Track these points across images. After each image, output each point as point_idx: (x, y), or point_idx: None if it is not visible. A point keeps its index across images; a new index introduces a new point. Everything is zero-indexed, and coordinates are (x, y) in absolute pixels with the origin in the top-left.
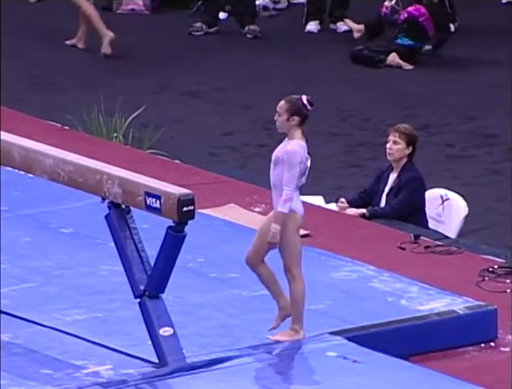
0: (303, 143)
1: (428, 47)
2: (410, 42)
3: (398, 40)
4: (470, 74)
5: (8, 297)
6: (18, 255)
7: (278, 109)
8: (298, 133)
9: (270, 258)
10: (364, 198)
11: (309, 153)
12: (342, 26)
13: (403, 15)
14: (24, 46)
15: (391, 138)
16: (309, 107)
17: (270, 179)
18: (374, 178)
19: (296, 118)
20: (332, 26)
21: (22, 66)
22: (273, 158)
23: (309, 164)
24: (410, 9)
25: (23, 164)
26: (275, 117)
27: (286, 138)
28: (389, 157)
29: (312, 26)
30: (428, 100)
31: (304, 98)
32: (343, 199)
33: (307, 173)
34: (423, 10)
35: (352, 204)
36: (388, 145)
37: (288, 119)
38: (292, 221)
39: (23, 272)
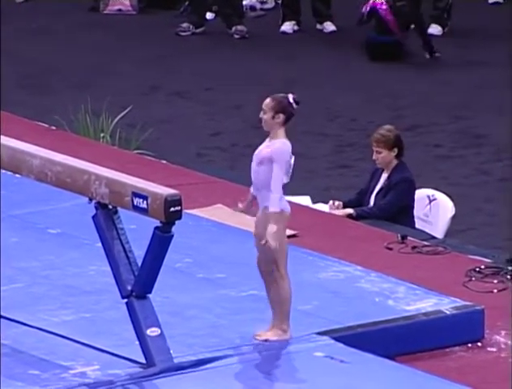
0: (287, 141)
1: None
2: (378, 37)
3: (369, 35)
4: (458, 74)
5: None
6: (5, 256)
7: (263, 106)
8: (282, 131)
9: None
10: (361, 198)
11: (297, 153)
12: (329, 26)
13: (366, 8)
14: (12, 46)
15: (374, 148)
16: (294, 105)
17: (254, 179)
18: (369, 177)
19: (282, 116)
20: (319, 26)
21: (8, 66)
22: (258, 158)
23: (292, 162)
24: (373, 2)
25: (11, 164)
26: (261, 115)
27: (268, 138)
28: (378, 165)
29: (287, 26)
30: (417, 100)
31: (290, 96)
32: (337, 202)
33: (291, 171)
34: (385, 5)
35: (349, 205)
36: (374, 156)
37: (273, 117)
38: (281, 220)
39: (11, 273)
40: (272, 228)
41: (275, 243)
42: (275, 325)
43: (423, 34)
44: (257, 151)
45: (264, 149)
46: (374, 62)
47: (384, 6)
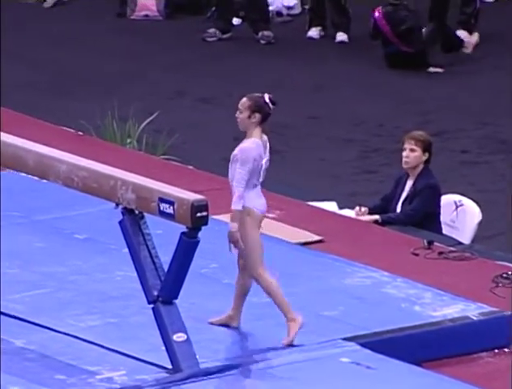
0: (259, 141)
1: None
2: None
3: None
4: (484, 79)
5: (22, 302)
6: (32, 261)
7: (239, 105)
8: (257, 131)
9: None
10: (385, 204)
11: (323, 158)
12: (339, 36)
13: (371, 21)
14: (39, 51)
15: (407, 146)
16: (270, 105)
17: (230, 177)
18: (394, 184)
19: (258, 116)
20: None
21: (36, 72)
22: (231, 157)
23: (264, 162)
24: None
25: (38, 169)
26: (237, 114)
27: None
28: (405, 165)
29: (313, 32)
30: (443, 105)
31: (266, 96)
32: (364, 208)
33: (263, 172)
34: (379, 12)
35: (374, 211)
36: (404, 153)
37: (249, 116)
38: (249, 218)
39: (37, 278)
40: (233, 226)
41: (235, 240)
42: (287, 320)
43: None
44: None
45: (236, 148)
46: (400, 68)
47: (377, 14)
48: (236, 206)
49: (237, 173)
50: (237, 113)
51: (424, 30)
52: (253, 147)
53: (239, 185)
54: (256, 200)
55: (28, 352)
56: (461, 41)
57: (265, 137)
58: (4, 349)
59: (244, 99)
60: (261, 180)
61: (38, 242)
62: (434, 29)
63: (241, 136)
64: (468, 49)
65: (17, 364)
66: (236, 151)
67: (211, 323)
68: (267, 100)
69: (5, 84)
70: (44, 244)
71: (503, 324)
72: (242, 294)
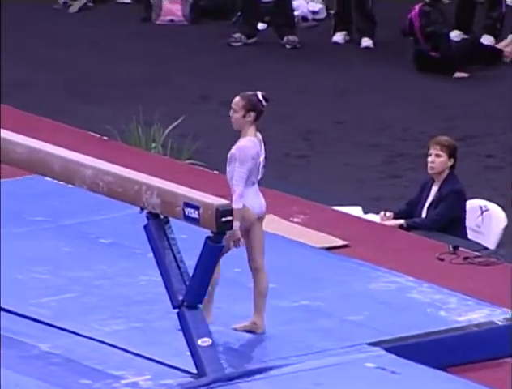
0: (255, 139)
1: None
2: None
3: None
4: (510, 84)
5: (48, 307)
6: (58, 265)
7: (233, 105)
8: (252, 129)
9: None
10: (410, 209)
11: (348, 163)
12: (364, 42)
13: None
14: (65, 56)
15: (433, 151)
16: (264, 103)
17: (227, 176)
18: (419, 189)
19: (252, 114)
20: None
21: (62, 76)
22: (228, 156)
23: (261, 160)
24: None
25: (63, 174)
26: (230, 114)
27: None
28: (430, 171)
29: (338, 37)
30: (468, 110)
31: (259, 94)
32: (388, 213)
33: (261, 170)
34: (416, 10)
35: (399, 216)
36: (430, 159)
37: (244, 115)
38: (247, 214)
39: (63, 283)
40: (234, 224)
41: (236, 239)
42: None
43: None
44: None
45: (233, 147)
46: (426, 72)
47: (414, 12)
48: (236, 204)
49: (237, 172)
50: (231, 112)
51: (452, 35)
52: (251, 145)
53: (239, 183)
54: (253, 199)
55: (54, 356)
56: (499, 51)
57: (259, 135)
58: (29, 353)
59: (237, 98)
60: (259, 177)
61: (65, 247)
62: (468, 41)
63: (266, 141)
64: (508, 58)
65: (42, 368)
66: (233, 151)
67: (235, 329)
68: (261, 98)
69: (32, 88)
70: (71, 249)
71: None
72: (260, 297)
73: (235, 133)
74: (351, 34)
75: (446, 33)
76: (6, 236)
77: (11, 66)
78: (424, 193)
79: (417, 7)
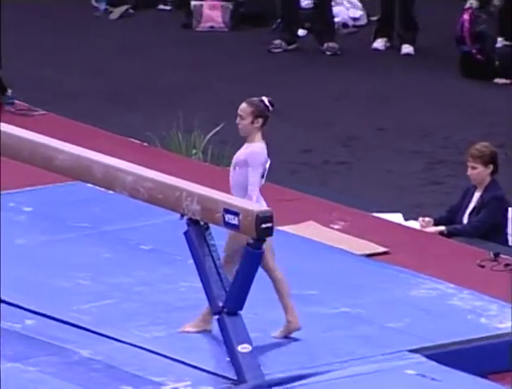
0: (263, 145)
1: None
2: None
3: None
4: None
5: (89, 313)
6: (99, 272)
7: (241, 112)
8: (259, 135)
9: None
10: (451, 216)
11: (389, 170)
12: (405, 48)
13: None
14: (105, 62)
15: (469, 163)
16: (270, 108)
17: (231, 181)
18: (461, 195)
19: (260, 120)
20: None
21: (102, 83)
22: (234, 161)
23: (267, 166)
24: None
25: (104, 180)
26: (237, 121)
27: (246, 143)
28: (473, 182)
29: (379, 43)
30: (511, 117)
31: (265, 99)
32: (428, 219)
33: (265, 175)
34: (467, 13)
35: (440, 222)
36: (468, 171)
37: (252, 122)
38: None
39: (104, 289)
40: None
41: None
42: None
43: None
44: (235, 155)
45: (240, 153)
46: (467, 79)
47: (465, 15)
48: None
49: (251, 178)
50: (238, 119)
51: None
52: (261, 151)
53: (254, 188)
54: (262, 202)
55: (94, 362)
56: None
57: (263, 141)
58: (70, 360)
59: (244, 105)
60: (263, 183)
61: (105, 253)
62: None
63: (307, 147)
64: None
65: (83, 374)
66: (243, 157)
67: (275, 337)
68: (267, 103)
69: (74, 96)
70: (111, 255)
71: None
72: (283, 296)
73: (275, 140)
74: (391, 41)
75: (493, 35)
76: (50, 242)
77: (56, 75)
78: (465, 199)
79: (468, 9)
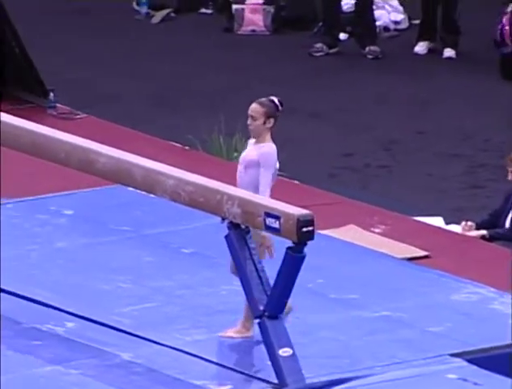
0: (274, 145)
1: None
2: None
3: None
4: None
5: (130, 316)
6: (140, 275)
7: (253, 113)
8: (269, 135)
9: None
10: (493, 220)
11: (429, 173)
12: (447, 52)
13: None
14: (147, 66)
15: (509, 168)
16: (280, 108)
17: (239, 181)
18: (503, 199)
19: (272, 120)
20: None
21: (144, 87)
22: (245, 161)
23: (277, 166)
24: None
25: (145, 184)
26: (249, 122)
27: (251, 142)
28: None
29: (420, 47)
30: None
31: (275, 99)
32: (470, 223)
33: (276, 175)
34: (507, 15)
35: (481, 226)
36: (509, 177)
37: (264, 122)
38: None
39: (146, 292)
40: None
41: (269, 245)
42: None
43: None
44: (243, 155)
45: (251, 153)
46: (508, 81)
47: (505, 16)
48: None
49: (263, 178)
50: (249, 120)
51: None
52: (274, 152)
53: (266, 189)
54: None
55: (135, 365)
56: None
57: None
58: (111, 362)
59: (255, 105)
60: (273, 184)
61: (147, 257)
62: None
63: (348, 151)
64: None
65: (124, 377)
66: (255, 157)
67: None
68: (277, 103)
69: (115, 99)
70: (153, 258)
71: None
72: None
73: (315, 143)
74: (433, 45)
75: None
76: (90, 245)
77: (97, 78)
78: (508, 203)
79: (508, 13)
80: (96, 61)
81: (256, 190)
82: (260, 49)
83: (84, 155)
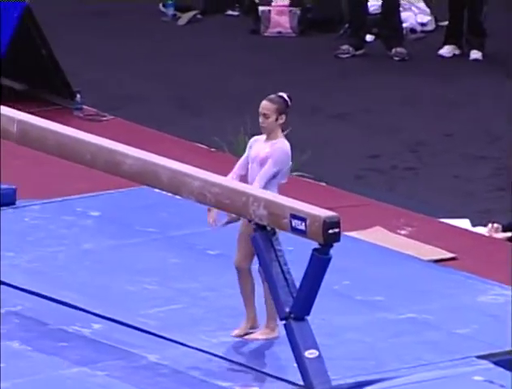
0: (287, 142)
1: None
2: None
3: None
4: None
5: (156, 318)
6: (166, 277)
7: (265, 110)
8: (280, 131)
9: None
10: None
11: (456, 175)
12: (473, 54)
13: None
14: (174, 68)
15: None
16: (289, 103)
17: (250, 180)
18: None
19: (284, 117)
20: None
21: (170, 88)
22: (259, 159)
23: (290, 163)
24: None
25: (171, 185)
26: (261, 120)
27: (258, 139)
28: None
29: (445, 50)
30: None
31: (285, 95)
32: (496, 225)
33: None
34: None
35: (508, 228)
36: None
37: (276, 119)
38: None
39: (172, 294)
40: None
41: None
42: (265, 324)
43: None
44: (254, 152)
45: (263, 150)
46: None
47: None
48: None
49: (266, 170)
50: (261, 118)
51: None
52: (287, 149)
53: (262, 183)
54: None
55: (161, 367)
56: None
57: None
58: (138, 364)
59: (267, 103)
60: (284, 181)
61: (172, 258)
62: None
63: (374, 152)
64: None
65: (150, 379)
66: (268, 154)
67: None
68: (287, 99)
69: (142, 101)
70: (178, 260)
71: None
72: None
73: (342, 145)
74: (460, 48)
75: None
76: (117, 247)
77: (123, 79)
78: None
79: None
80: (122, 62)
81: (267, 186)
82: (286, 50)
83: (110, 156)
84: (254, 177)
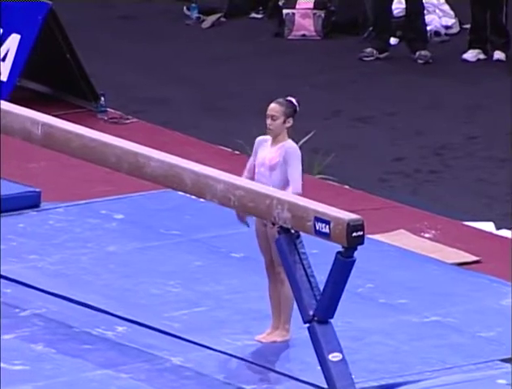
0: (294, 143)
1: None
2: None
3: None
4: None
5: (180, 320)
6: (190, 279)
7: (273, 113)
8: (286, 135)
9: None
10: None
11: (479, 179)
12: (497, 54)
13: None
14: (197, 70)
15: None
16: (297, 108)
17: (267, 184)
18: None
19: (291, 120)
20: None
21: (194, 91)
22: (270, 163)
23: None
24: None
25: (195, 188)
26: (269, 122)
27: (263, 141)
28: None
29: (468, 54)
30: None
31: (293, 99)
32: None
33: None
34: None
35: None
36: None
37: (284, 121)
38: None
39: (195, 296)
40: None
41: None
42: (279, 326)
43: None
44: (262, 157)
45: (271, 155)
46: None
47: None
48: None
49: (293, 174)
50: (269, 121)
51: None
52: (296, 147)
53: (299, 185)
54: None
55: (185, 369)
56: None
57: None
58: (162, 366)
59: (275, 105)
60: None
61: (196, 261)
62: None
63: (398, 155)
64: None
65: (174, 382)
66: (279, 158)
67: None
68: (295, 104)
69: (166, 104)
70: (202, 262)
71: None
72: (279, 304)
73: (366, 148)
74: (486, 52)
75: None
76: (140, 250)
77: (147, 82)
78: None
79: None
80: (146, 65)
81: (284, 189)
82: (310, 53)
83: (135, 159)
84: (263, 181)
